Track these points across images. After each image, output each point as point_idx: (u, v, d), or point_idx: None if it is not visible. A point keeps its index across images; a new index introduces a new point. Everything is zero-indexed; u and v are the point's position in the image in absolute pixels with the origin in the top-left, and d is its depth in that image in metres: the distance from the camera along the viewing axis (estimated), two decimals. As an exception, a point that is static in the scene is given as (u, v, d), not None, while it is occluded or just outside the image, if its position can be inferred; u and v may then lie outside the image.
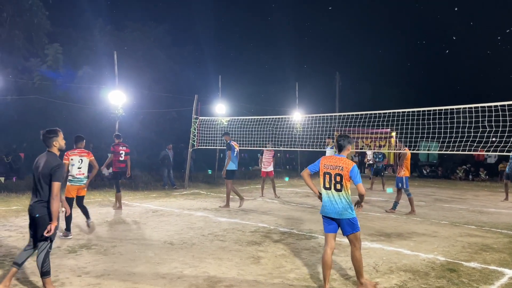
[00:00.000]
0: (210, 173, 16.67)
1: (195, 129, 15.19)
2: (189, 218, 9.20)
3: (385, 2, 34.49)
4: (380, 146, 24.06)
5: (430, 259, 6.08)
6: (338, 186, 4.74)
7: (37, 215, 4.43)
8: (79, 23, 23.30)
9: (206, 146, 15.24)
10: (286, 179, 17.49)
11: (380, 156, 16.49)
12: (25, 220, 8.75)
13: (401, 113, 10.64)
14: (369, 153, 21.45)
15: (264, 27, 34.11)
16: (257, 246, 6.73)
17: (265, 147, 13.28)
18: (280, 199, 12.57)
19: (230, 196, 10.92)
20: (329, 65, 30.33)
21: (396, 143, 10.64)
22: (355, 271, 4.87)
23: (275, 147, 13.28)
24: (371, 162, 21.40)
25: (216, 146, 15.21)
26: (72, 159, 7.54)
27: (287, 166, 25.99)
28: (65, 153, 7.50)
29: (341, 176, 4.71)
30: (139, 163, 20.59)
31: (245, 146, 14.03)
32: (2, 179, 14.79)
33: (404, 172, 9.95)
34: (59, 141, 4.64)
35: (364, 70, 33.16)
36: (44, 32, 20.64)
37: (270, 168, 12.97)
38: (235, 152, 10.68)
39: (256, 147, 13.91)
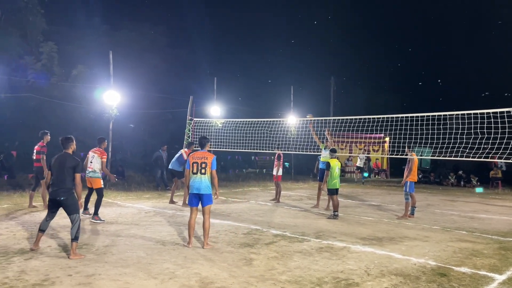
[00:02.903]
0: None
1: (189, 131, 15.17)
2: (182, 219, 9.18)
3: (381, 6, 34.68)
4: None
5: (421, 263, 6.11)
6: (203, 171, 6.62)
7: (62, 198, 6.02)
8: (75, 22, 23.22)
9: (196, 147, 15.20)
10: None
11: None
12: (15, 219, 8.69)
13: (395, 119, 10.70)
14: (361, 157, 21.27)
15: (260, 31, 34.12)
16: (249, 248, 6.73)
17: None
18: (278, 204, 12.29)
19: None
20: (324, 69, 30.45)
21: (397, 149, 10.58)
22: (204, 234, 6.76)
23: (282, 150, 12.98)
24: (361, 165, 21.17)
25: (210, 148, 15.17)
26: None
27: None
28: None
29: (206, 164, 6.62)
30: (133, 163, 20.53)
31: (239, 149, 14.03)
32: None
33: (410, 177, 9.99)
34: (73, 145, 6.43)
35: (359, 75, 33.31)
36: (39, 31, 20.54)
37: (274, 171, 12.73)
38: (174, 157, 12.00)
39: (250, 149, 13.90)
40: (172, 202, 11.72)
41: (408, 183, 10.01)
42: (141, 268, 5.52)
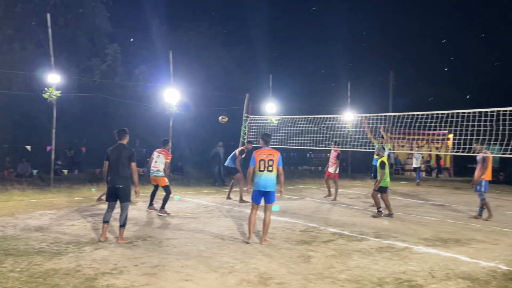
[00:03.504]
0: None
1: (245, 128, 15.34)
2: (239, 215, 9.32)
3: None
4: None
5: (491, 267, 5.76)
6: (270, 168, 6.62)
7: (121, 185, 6.55)
8: (137, 24, 24.21)
9: (256, 145, 15.32)
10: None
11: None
12: (86, 211, 9.26)
13: (460, 114, 10.14)
14: (416, 156, 19.60)
15: (317, 26, 33.59)
16: (307, 246, 6.70)
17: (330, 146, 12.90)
18: (335, 202, 12.02)
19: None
20: (383, 64, 29.42)
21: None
22: (263, 230, 6.74)
23: (338, 147, 12.78)
24: (418, 165, 19.48)
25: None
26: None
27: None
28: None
29: (273, 161, 6.61)
30: (191, 160, 21.13)
31: (294, 146, 13.98)
32: (65, 171, 15.71)
33: (485, 176, 9.48)
34: (127, 137, 6.89)
35: (420, 69, 31.81)
36: (105, 33, 21.69)
37: (332, 170, 12.54)
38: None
39: (305, 146, 13.80)
40: (229, 198, 11.92)
41: (483, 182, 9.45)
42: (202, 261, 5.67)
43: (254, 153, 6.76)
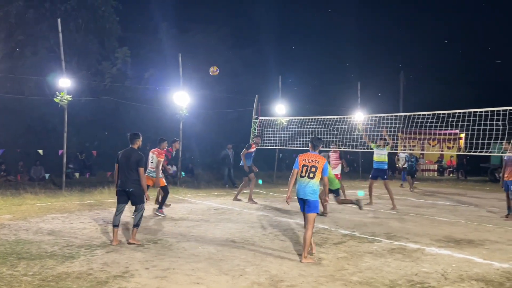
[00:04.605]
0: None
1: (255, 129, 15.32)
2: (249, 217, 9.31)
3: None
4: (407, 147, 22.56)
5: (505, 268, 5.67)
6: (311, 175, 6.05)
7: (131, 189, 6.59)
8: (146, 27, 24.39)
9: (265, 146, 15.31)
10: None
11: (413, 159, 16.17)
12: (97, 214, 9.33)
13: (472, 113, 10.01)
14: (402, 156, 17.82)
15: (325, 26, 33.52)
16: (318, 248, 6.66)
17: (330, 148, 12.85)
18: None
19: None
20: (393, 63, 29.26)
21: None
22: (303, 245, 5.98)
23: (340, 148, 12.75)
24: (405, 166, 18.06)
25: (275, 146, 15.22)
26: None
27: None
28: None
29: (316, 168, 6.05)
30: (201, 162, 21.18)
31: (305, 147, 13.92)
32: (77, 175, 15.85)
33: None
34: (139, 142, 6.87)
35: (431, 67, 31.53)
36: (115, 37, 21.87)
37: (337, 171, 12.49)
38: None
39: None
40: (236, 199, 11.89)
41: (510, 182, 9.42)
42: (213, 264, 5.67)
43: (299, 157, 6.25)
